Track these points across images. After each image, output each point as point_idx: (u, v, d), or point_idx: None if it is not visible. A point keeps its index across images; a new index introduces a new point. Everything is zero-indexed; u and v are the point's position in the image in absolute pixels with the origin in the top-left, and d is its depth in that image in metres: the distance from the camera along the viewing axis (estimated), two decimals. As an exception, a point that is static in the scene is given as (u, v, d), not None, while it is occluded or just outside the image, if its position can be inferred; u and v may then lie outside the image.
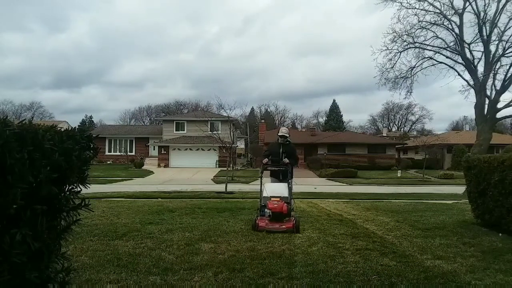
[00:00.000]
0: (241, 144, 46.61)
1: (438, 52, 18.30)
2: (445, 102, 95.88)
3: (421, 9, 17.79)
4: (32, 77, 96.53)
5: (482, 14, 16.87)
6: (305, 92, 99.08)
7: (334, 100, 69.56)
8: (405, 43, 18.34)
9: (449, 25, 17.67)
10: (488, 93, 17.22)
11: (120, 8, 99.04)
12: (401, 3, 17.89)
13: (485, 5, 16.83)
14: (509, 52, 16.94)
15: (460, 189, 12.72)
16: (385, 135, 57.25)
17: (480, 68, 17.42)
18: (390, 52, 18.51)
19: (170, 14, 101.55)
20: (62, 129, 1.64)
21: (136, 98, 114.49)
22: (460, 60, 17.84)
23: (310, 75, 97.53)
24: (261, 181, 6.97)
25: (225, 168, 21.57)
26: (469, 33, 18.09)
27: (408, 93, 19.51)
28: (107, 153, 41.38)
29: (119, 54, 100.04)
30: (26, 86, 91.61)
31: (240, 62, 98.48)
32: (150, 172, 29.68)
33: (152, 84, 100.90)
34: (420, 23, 17.88)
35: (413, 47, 18.51)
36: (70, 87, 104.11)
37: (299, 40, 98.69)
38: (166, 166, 35.15)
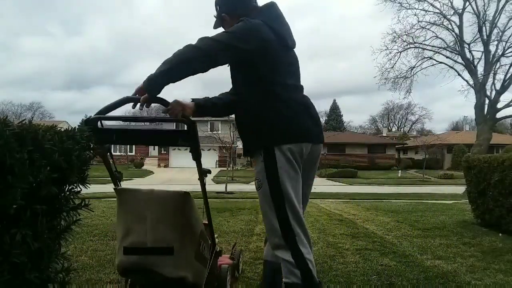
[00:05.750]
0: (241, 144, 46.53)
1: (438, 52, 18.36)
2: (447, 103, 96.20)
3: (421, 9, 17.85)
4: (44, 79, 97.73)
5: (481, 14, 16.93)
6: (311, 93, 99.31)
7: (334, 100, 69.87)
8: (405, 43, 18.41)
9: (449, 25, 17.73)
10: (488, 93, 17.26)
11: (140, 11, 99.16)
12: (400, 3, 17.94)
13: (484, 5, 16.89)
14: (509, 52, 17.01)
15: (460, 189, 12.72)
16: (385, 135, 57.27)
17: (480, 68, 17.48)
18: (390, 52, 18.58)
19: (189, 18, 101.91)
20: (62, 129, 1.64)
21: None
22: (460, 60, 17.90)
23: (317, 76, 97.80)
24: None
25: (225, 168, 21.56)
26: (469, 33, 18.17)
27: (407, 93, 19.60)
28: (107, 153, 41.36)
29: (133, 56, 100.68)
30: (37, 88, 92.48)
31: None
32: (150, 172, 29.71)
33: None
34: (419, 23, 17.93)
35: (413, 47, 18.57)
36: (81, 89, 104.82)
37: (307, 43, 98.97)
38: (166, 166, 35.17)
